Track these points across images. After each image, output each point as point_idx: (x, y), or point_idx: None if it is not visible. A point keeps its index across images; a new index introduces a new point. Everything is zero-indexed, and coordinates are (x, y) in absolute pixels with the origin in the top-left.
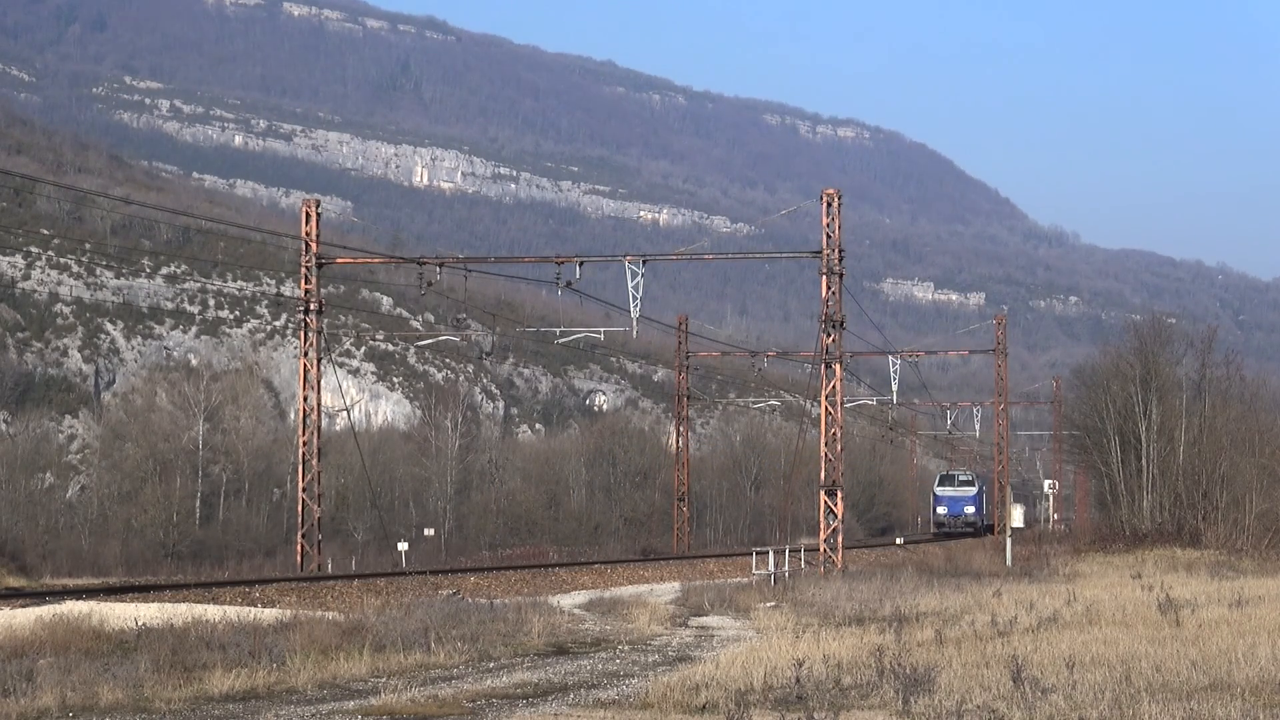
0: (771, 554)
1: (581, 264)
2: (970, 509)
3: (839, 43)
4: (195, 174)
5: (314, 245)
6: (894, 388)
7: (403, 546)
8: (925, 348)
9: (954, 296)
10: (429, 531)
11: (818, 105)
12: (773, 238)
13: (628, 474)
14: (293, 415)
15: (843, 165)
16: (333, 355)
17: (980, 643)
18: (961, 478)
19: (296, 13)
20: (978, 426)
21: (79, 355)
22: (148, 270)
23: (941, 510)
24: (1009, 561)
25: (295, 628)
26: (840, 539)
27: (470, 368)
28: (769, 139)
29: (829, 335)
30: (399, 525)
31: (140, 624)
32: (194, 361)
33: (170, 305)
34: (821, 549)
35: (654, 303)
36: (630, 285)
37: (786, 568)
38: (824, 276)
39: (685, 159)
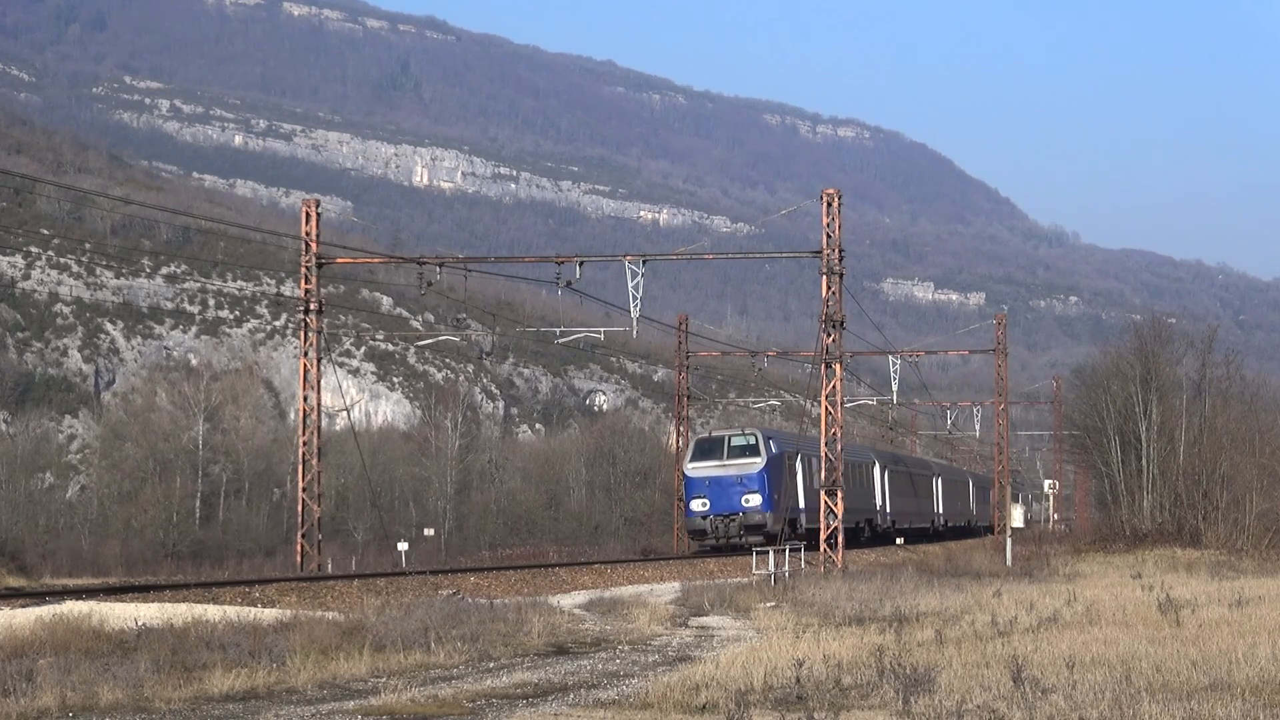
0: (771, 554)
1: (581, 264)
2: (754, 499)
3: (839, 43)
4: (195, 174)
5: (314, 245)
6: (894, 387)
7: (403, 546)
8: (925, 348)
9: (954, 296)
10: (429, 531)
11: (818, 105)
12: (773, 238)
13: (628, 474)
14: (293, 415)
15: (843, 165)
16: (333, 355)
17: (980, 643)
18: (735, 442)
19: (296, 13)
20: (978, 426)
21: (79, 355)
22: (148, 270)
23: (699, 504)
24: (1009, 561)
25: (295, 628)
26: (840, 539)
27: (470, 368)
28: (769, 139)
29: (829, 335)
30: (399, 525)
31: (140, 624)
32: (194, 361)
33: (170, 305)
34: (822, 549)
35: (654, 303)
36: (630, 285)
37: (786, 568)
38: (824, 276)
39: (685, 159)
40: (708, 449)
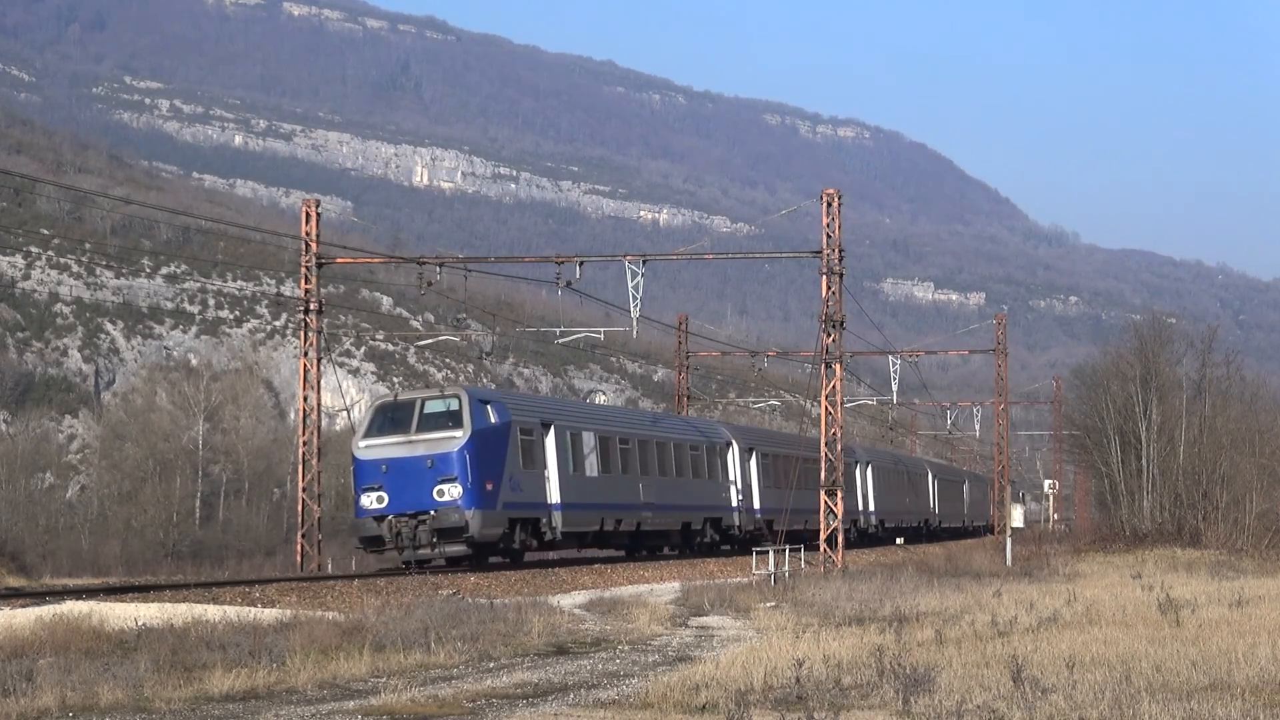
0: (771, 554)
1: (581, 264)
2: (451, 489)
3: (839, 43)
4: (195, 174)
5: (314, 245)
6: (894, 388)
7: None
8: (925, 348)
9: (954, 296)
10: None
11: (818, 105)
12: (773, 238)
13: None
14: (293, 415)
15: (843, 165)
16: (333, 355)
17: (980, 643)
18: (431, 407)
19: (296, 13)
20: (978, 426)
21: (79, 355)
22: (148, 270)
23: (372, 499)
24: (1009, 561)
25: (295, 628)
26: (840, 539)
27: (470, 368)
28: (769, 139)
29: (829, 335)
30: None
31: (140, 624)
32: (194, 361)
33: (170, 305)
34: (822, 549)
35: (654, 303)
36: (630, 285)
37: (786, 568)
38: (824, 276)
39: (685, 159)
40: (393, 418)
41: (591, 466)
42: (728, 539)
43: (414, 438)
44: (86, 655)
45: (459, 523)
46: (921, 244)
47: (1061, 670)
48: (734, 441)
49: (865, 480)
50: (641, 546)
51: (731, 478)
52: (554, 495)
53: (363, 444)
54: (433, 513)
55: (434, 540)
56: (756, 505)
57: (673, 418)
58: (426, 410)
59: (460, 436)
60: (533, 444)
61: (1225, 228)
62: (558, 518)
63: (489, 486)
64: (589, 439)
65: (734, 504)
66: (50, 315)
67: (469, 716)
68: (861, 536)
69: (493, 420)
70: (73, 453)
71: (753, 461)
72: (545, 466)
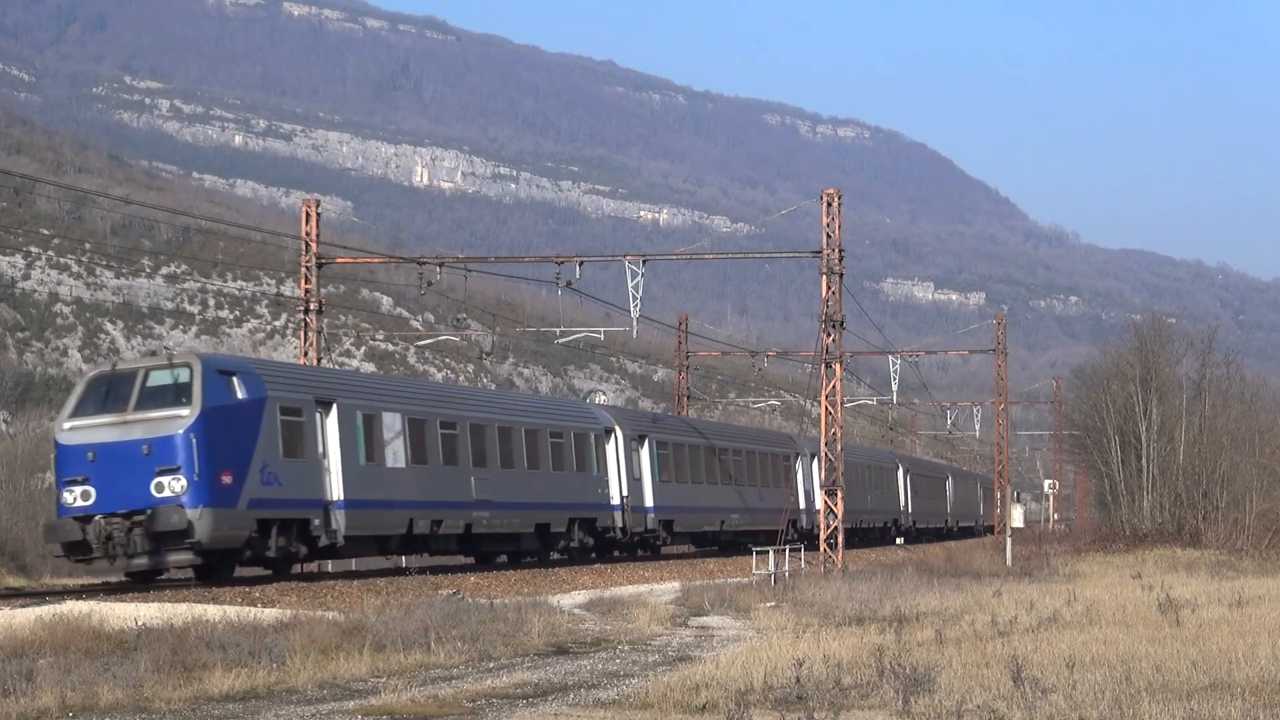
0: (771, 554)
1: (581, 264)
2: (173, 482)
3: (839, 43)
4: (195, 174)
5: (314, 245)
6: (894, 388)
7: None
8: (925, 348)
9: (954, 296)
10: None
11: (818, 105)
12: (773, 238)
13: None
14: None
15: (843, 165)
16: (333, 355)
17: (980, 643)
18: (156, 380)
19: (296, 13)
20: (978, 426)
21: (79, 355)
22: (148, 270)
23: (75, 495)
24: (1009, 561)
25: (295, 628)
26: (840, 539)
27: (470, 368)
28: (769, 139)
29: (829, 335)
30: None
31: (140, 624)
32: None
33: (170, 305)
34: (822, 549)
35: (654, 303)
36: (630, 285)
37: (786, 568)
38: (824, 276)
39: (685, 159)
40: (108, 393)
41: (396, 455)
42: (608, 543)
43: (130, 417)
44: (86, 655)
45: (180, 524)
46: (921, 244)
47: (1061, 670)
48: (617, 428)
49: (810, 474)
50: (479, 552)
51: (612, 471)
52: (335, 490)
53: (67, 425)
54: (149, 512)
55: (151, 546)
56: (649, 503)
57: (532, 398)
58: (150, 383)
59: (186, 415)
60: (302, 426)
61: (1225, 228)
62: (339, 518)
63: (226, 479)
64: (392, 421)
65: (615, 502)
66: (50, 315)
67: (469, 716)
68: (803, 538)
69: (238, 395)
70: None
71: (644, 452)
72: (324, 454)
